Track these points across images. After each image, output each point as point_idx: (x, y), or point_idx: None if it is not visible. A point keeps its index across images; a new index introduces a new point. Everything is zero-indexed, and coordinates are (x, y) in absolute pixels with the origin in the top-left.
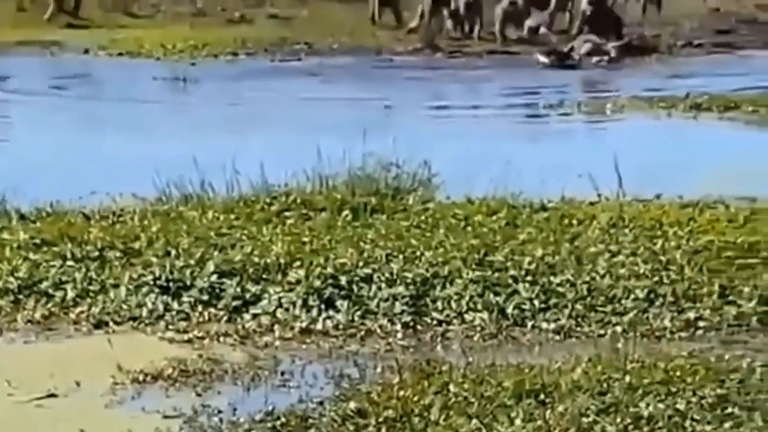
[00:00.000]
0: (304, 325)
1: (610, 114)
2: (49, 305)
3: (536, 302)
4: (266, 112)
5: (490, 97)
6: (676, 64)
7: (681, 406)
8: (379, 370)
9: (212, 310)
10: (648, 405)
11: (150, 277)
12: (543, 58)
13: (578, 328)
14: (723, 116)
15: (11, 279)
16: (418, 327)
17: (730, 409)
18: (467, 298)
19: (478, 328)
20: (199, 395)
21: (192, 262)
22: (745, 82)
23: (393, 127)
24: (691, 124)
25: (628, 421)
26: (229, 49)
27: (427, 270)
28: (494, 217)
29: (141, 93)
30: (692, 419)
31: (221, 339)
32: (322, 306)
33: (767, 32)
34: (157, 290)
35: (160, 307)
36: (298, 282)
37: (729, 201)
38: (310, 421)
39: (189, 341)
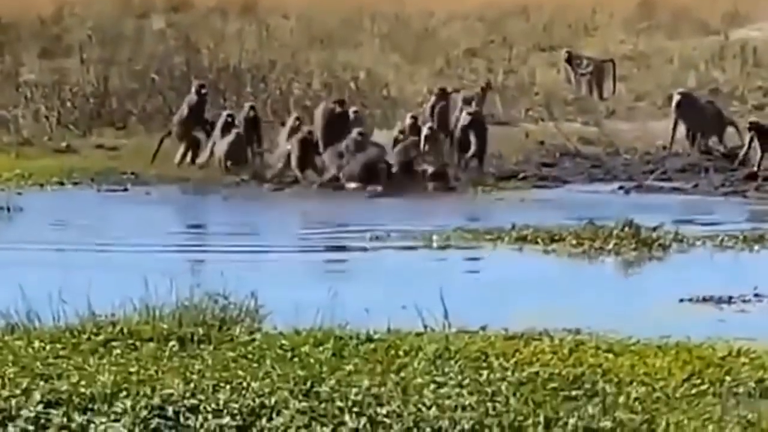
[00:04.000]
0: None
1: (436, 246)
2: None
3: None
4: (93, 242)
5: (314, 226)
6: (502, 196)
7: None
8: None
9: None
10: None
11: None
12: (351, 185)
13: None
14: (548, 248)
15: None
16: None
17: None
18: (294, 428)
19: None
20: None
21: (17, 392)
22: (569, 214)
23: (221, 259)
24: (517, 256)
25: None
26: (55, 179)
27: (253, 400)
28: (321, 348)
29: None
30: None
31: None
32: None
33: (590, 166)
34: None
35: None
36: (125, 412)
37: (553, 333)
38: None
39: None
